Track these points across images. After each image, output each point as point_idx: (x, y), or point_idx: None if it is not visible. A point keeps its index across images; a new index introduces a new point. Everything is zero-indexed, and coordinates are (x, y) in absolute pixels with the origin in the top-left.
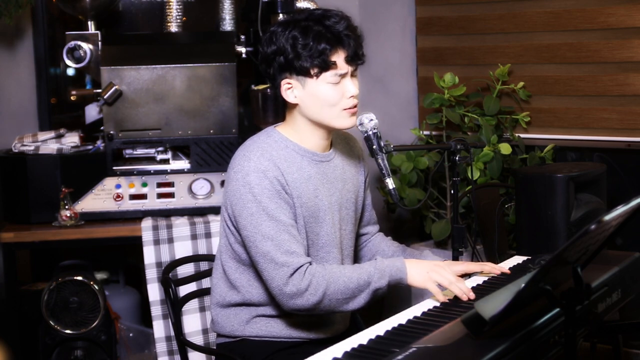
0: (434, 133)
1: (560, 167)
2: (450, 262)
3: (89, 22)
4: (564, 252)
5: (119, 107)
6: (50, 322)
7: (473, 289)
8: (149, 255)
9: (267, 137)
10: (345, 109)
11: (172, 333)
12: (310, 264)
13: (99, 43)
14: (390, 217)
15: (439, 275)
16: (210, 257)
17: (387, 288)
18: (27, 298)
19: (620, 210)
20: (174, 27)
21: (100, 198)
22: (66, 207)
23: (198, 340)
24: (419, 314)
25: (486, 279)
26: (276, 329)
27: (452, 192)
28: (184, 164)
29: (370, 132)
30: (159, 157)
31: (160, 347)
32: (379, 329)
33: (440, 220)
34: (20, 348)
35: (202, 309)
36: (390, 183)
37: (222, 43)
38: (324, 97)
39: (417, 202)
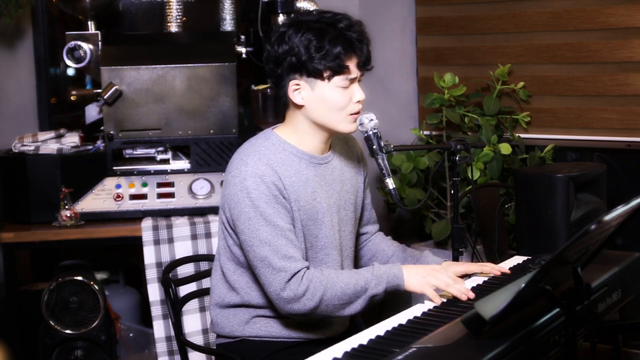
0: (434, 133)
1: (560, 167)
2: (450, 263)
3: (89, 22)
4: (564, 252)
5: (119, 107)
6: (50, 322)
7: (473, 289)
8: (149, 255)
9: (264, 140)
10: (351, 114)
11: (172, 333)
12: (308, 269)
13: (99, 43)
14: (390, 217)
15: (435, 279)
16: (210, 257)
17: (384, 294)
18: (27, 298)
19: (620, 210)
20: (174, 27)
21: (100, 198)
22: (66, 207)
23: (198, 340)
24: (419, 314)
25: (486, 279)
26: (275, 329)
27: (452, 192)
28: (184, 164)
29: (371, 132)
30: (159, 157)
31: (160, 347)
32: (379, 329)
33: (440, 220)
34: (20, 348)
35: (202, 309)
36: (390, 183)
37: (222, 43)
38: (332, 100)
39: (417, 202)
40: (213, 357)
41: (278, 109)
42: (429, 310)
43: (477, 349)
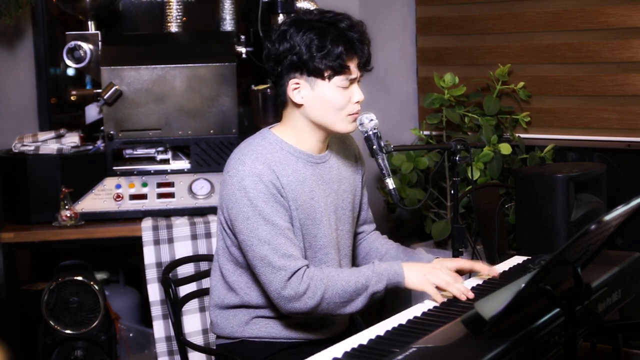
0: (434, 133)
1: (560, 167)
2: (442, 259)
3: (89, 22)
4: (564, 252)
5: (119, 107)
6: (50, 322)
7: (472, 289)
8: (149, 255)
9: (262, 140)
10: (349, 114)
11: (172, 333)
12: (308, 267)
13: (99, 43)
14: (390, 217)
15: (436, 278)
16: (210, 257)
17: (384, 292)
18: (27, 298)
19: (620, 210)
20: (174, 27)
21: (100, 198)
22: (66, 207)
23: (198, 340)
24: (419, 314)
25: (486, 279)
26: (275, 329)
27: (452, 192)
28: (184, 164)
29: (371, 132)
30: (159, 157)
31: (160, 347)
32: (379, 329)
33: (440, 220)
34: (20, 348)
35: (202, 309)
36: (390, 183)
37: (222, 43)
38: (332, 100)
39: (417, 202)
40: (213, 357)
41: (278, 108)
42: (429, 310)
43: (477, 349)
